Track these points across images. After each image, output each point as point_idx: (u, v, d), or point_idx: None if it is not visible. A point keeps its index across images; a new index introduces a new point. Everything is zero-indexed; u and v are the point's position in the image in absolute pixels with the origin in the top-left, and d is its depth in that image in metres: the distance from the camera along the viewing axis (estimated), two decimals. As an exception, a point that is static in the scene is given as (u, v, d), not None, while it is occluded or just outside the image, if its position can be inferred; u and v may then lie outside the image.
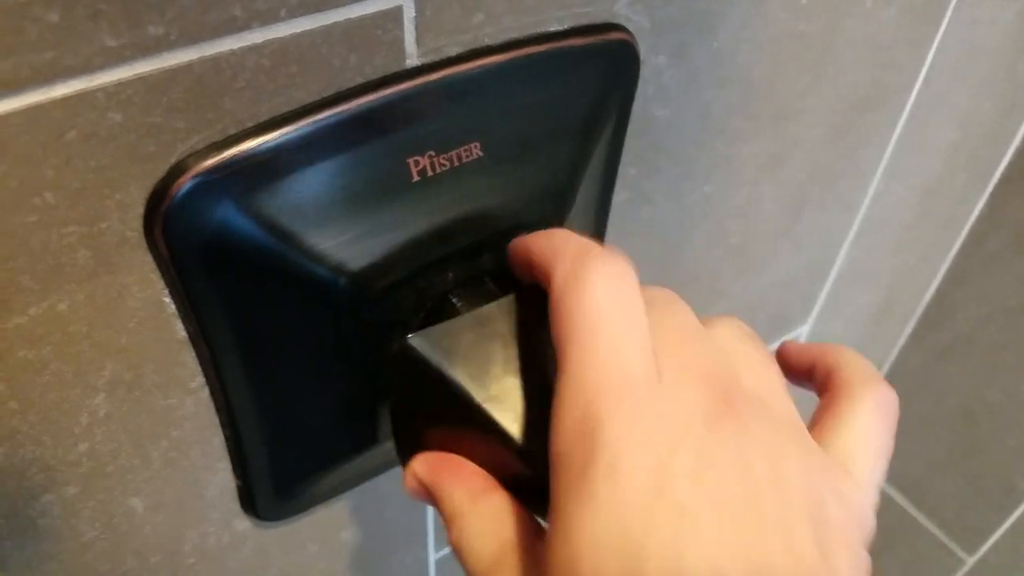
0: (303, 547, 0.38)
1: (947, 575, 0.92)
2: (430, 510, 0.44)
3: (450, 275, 0.28)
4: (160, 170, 0.22)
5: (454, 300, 0.28)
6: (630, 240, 0.39)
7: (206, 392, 0.28)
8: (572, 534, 0.18)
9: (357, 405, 0.31)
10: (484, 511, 0.23)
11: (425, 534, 0.46)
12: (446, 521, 0.23)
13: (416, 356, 0.24)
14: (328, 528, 0.39)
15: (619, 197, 0.36)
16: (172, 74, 0.21)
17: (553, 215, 0.30)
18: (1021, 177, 0.66)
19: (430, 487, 0.24)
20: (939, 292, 0.78)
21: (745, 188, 0.43)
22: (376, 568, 0.44)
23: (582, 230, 0.34)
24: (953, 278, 0.76)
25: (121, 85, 0.20)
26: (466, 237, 0.28)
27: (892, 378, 0.85)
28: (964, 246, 0.73)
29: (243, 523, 0.34)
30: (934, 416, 0.85)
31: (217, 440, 0.30)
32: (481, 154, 0.27)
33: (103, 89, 0.20)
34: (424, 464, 0.25)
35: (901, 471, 0.91)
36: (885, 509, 0.94)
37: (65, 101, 0.20)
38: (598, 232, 0.35)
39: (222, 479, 0.32)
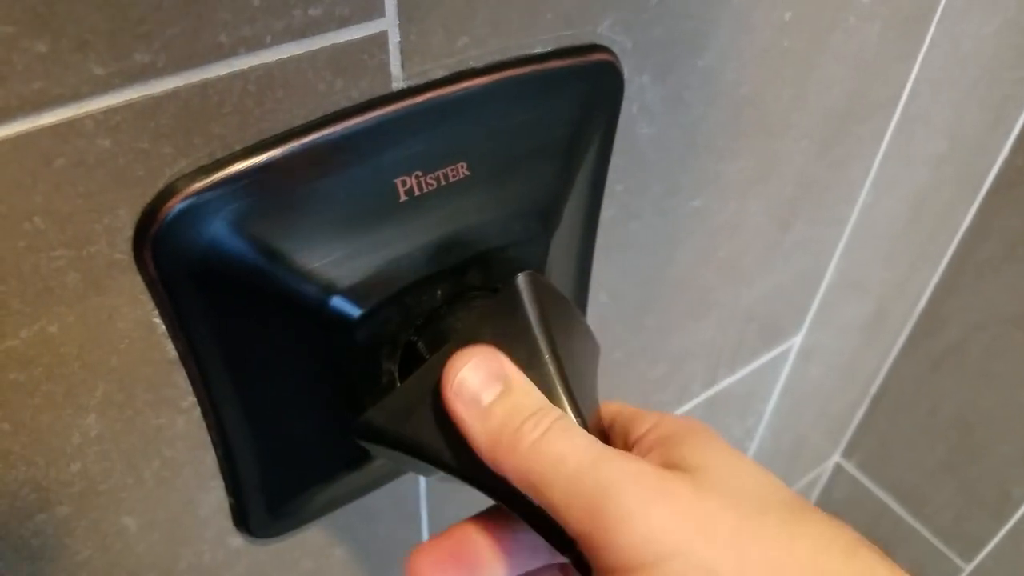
0: (297, 564, 0.38)
1: (944, 584, 0.92)
2: (425, 526, 0.45)
3: (439, 293, 0.29)
4: (148, 194, 0.22)
5: (451, 310, 0.29)
6: (619, 255, 0.40)
7: (197, 412, 0.28)
8: None
9: (349, 422, 0.31)
10: None
11: (419, 549, 0.46)
12: None
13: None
14: (322, 545, 0.39)
15: (607, 213, 0.36)
16: (160, 101, 0.21)
17: (540, 233, 0.30)
18: (1009, 187, 0.67)
19: None
20: (931, 302, 0.78)
21: (733, 203, 0.43)
22: (370, 583, 0.44)
23: (570, 246, 0.34)
24: (945, 288, 0.76)
25: (109, 112, 0.21)
26: (454, 255, 0.29)
27: (886, 388, 0.85)
28: (955, 256, 0.74)
29: (237, 540, 0.34)
30: (929, 425, 0.85)
31: (209, 459, 0.30)
32: (468, 173, 0.27)
33: (91, 116, 0.20)
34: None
35: (897, 480, 0.91)
36: (882, 517, 0.94)
37: (54, 129, 0.20)
38: (586, 247, 0.36)
39: (215, 497, 0.32)
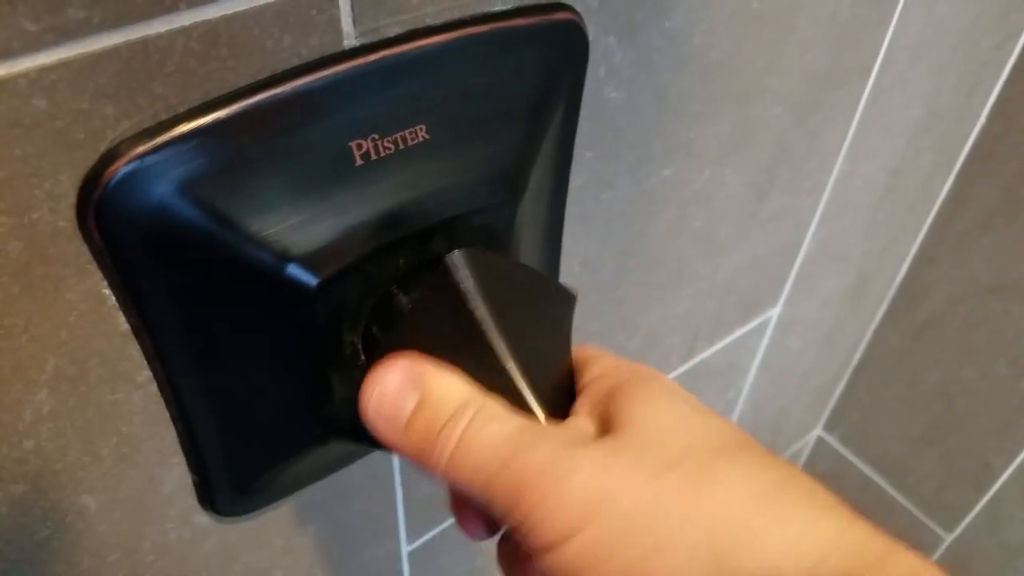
0: (269, 542, 0.38)
1: (926, 553, 0.93)
2: (400, 502, 0.44)
3: (401, 261, 0.28)
4: (90, 158, 0.22)
5: (400, 290, 0.28)
6: (591, 225, 0.39)
7: (154, 386, 0.28)
8: None
9: (312, 395, 0.30)
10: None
11: (397, 526, 0.46)
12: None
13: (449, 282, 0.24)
14: (294, 522, 0.38)
15: (577, 181, 0.36)
16: (98, 59, 0.20)
17: (505, 199, 0.30)
18: (986, 156, 0.67)
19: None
20: (911, 273, 0.78)
21: (707, 171, 0.43)
22: (347, 561, 0.44)
23: (538, 214, 0.33)
24: (924, 259, 0.76)
25: (44, 71, 0.20)
26: (416, 222, 0.28)
27: (867, 360, 0.85)
28: (933, 227, 0.74)
29: (204, 519, 0.34)
30: (910, 396, 0.85)
31: (170, 435, 0.30)
32: (427, 137, 0.27)
33: (24, 75, 0.19)
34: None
35: (878, 451, 0.92)
36: (864, 490, 0.94)
37: (-16, 87, 0.19)
38: (556, 215, 0.35)
39: (178, 474, 0.31)
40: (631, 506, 0.20)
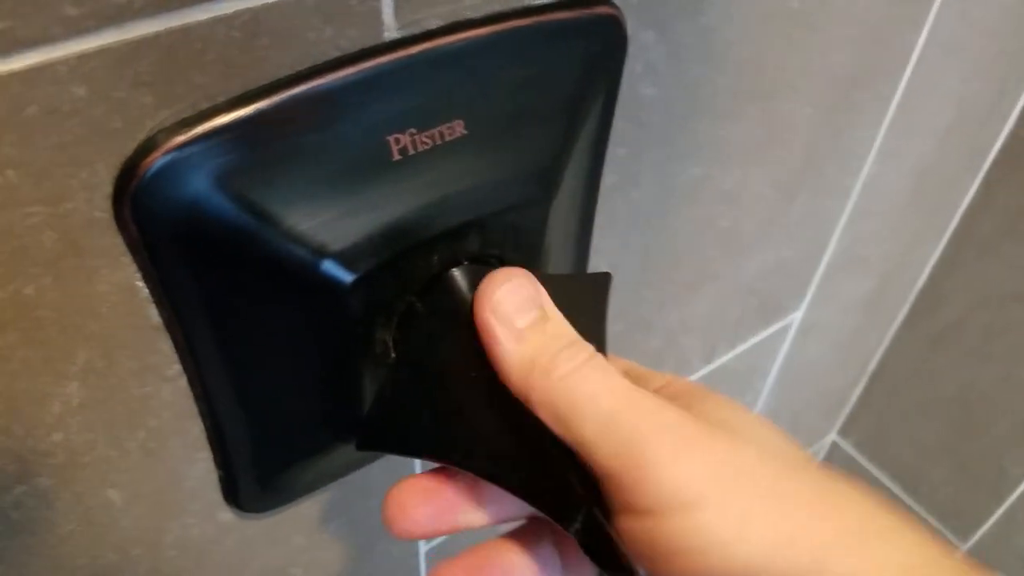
0: (288, 539, 0.38)
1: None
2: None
3: (435, 258, 0.28)
4: (128, 147, 0.21)
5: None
6: (618, 224, 0.39)
7: (184, 380, 0.27)
8: None
9: (342, 392, 0.30)
10: None
11: (414, 525, 0.45)
12: None
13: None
14: (314, 520, 0.38)
15: (608, 180, 0.35)
16: (138, 46, 0.20)
17: (539, 196, 0.29)
18: (1013, 161, 0.66)
19: None
20: (931, 278, 0.77)
21: (735, 170, 0.42)
22: (364, 560, 0.43)
23: (570, 212, 0.33)
24: (945, 264, 0.75)
25: (84, 57, 0.19)
26: (451, 219, 0.27)
27: (884, 366, 0.85)
28: (956, 232, 0.73)
29: (226, 514, 0.33)
30: (927, 403, 0.84)
31: (197, 429, 0.29)
32: (465, 132, 0.26)
33: (64, 61, 0.19)
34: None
35: (893, 458, 0.91)
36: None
37: (24, 74, 0.19)
38: (587, 213, 0.35)
39: (203, 469, 0.31)
40: (768, 488, 0.19)
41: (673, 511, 0.19)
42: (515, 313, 0.23)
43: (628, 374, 0.25)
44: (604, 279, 0.28)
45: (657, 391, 0.23)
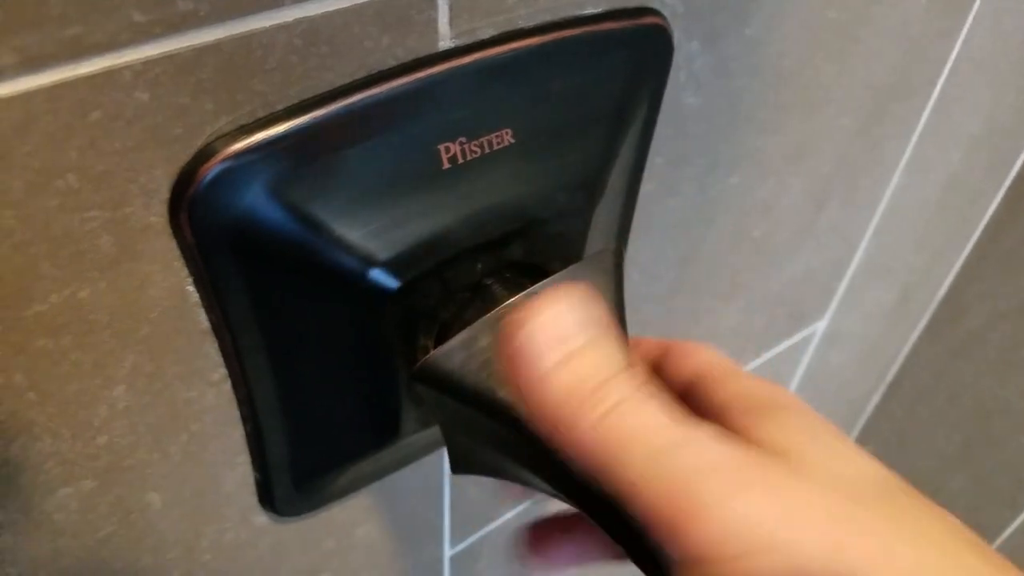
0: (319, 543, 0.38)
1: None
2: (447, 505, 0.44)
3: (479, 266, 0.28)
4: (187, 153, 0.21)
5: (481, 292, 0.27)
6: (653, 232, 0.39)
7: (228, 385, 0.27)
8: None
9: (381, 398, 0.30)
10: None
11: (441, 530, 0.45)
12: None
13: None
14: (345, 524, 0.38)
15: (646, 187, 0.35)
16: (201, 53, 0.20)
17: (582, 204, 0.29)
18: (1040, 173, 0.65)
19: None
20: (953, 289, 0.77)
21: (771, 180, 0.42)
22: (391, 564, 0.43)
23: (609, 220, 0.33)
24: (968, 274, 0.75)
25: (149, 63, 0.19)
26: (496, 227, 0.27)
27: (904, 375, 0.84)
28: (979, 243, 0.72)
29: (260, 518, 0.33)
30: (947, 413, 0.84)
31: (237, 434, 0.29)
32: (512, 141, 0.26)
33: (130, 67, 0.19)
34: None
35: (911, 467, 0.90)
36: (895, 507, 0.93)
37: (91, 79, 0.19)
38: (625, 222, 0.34)
39: (240, 474, 0.31)
40: (823, 528, 0.18)
41: (724, 560, 0.17)
42: (540, 355, 0.20)
43: (701, 369, 0.24)
44: (608, 256, 0.25)
45: (727, 402, 0.22)
